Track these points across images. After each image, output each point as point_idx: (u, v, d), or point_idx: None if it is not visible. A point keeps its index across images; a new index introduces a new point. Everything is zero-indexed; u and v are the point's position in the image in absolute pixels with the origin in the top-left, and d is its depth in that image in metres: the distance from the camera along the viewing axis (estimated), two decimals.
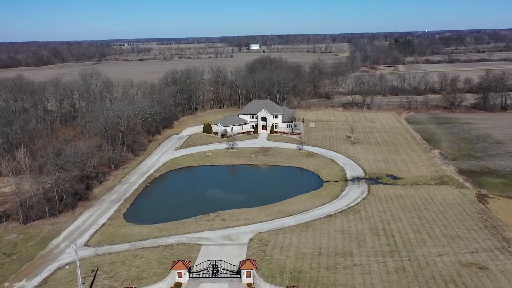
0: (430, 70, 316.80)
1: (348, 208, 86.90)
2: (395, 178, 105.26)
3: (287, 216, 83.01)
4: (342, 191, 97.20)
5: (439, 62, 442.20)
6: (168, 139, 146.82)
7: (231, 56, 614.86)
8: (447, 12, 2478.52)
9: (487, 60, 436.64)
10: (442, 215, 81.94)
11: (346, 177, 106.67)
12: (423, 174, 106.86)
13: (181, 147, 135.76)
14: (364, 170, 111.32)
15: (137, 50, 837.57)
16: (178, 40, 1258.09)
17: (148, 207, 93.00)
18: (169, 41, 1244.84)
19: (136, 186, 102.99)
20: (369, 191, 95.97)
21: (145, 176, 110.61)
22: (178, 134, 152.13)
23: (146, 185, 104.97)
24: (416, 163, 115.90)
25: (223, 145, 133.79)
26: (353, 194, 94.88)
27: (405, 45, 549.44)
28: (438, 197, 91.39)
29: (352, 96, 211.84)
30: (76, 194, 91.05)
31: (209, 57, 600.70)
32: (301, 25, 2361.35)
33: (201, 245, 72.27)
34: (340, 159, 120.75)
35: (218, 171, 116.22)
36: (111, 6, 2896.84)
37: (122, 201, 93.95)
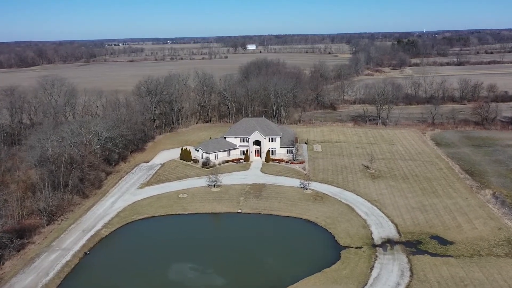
0: (441, 73, 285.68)
1: None
2: (443, 242, 73.19)
3: None
4: (371, 268, 65.30)
5: (448, 64, 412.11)
6: (135, 169, 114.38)
7: (226, 57, 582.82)
8: (445, 12, 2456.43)
9: (498, 62, 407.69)
10: None
11: (372, 238, 74.84)
12: (482, 235, 74.98)
13: (148, 183, 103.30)
14: (396, 225, 79.43)
15: (129, 50, 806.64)
16: (174, 40, 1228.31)
17: None
18: (165, 41, 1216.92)
19: (69, 257, 70.56)
20: (411, 271, 64.01)
21: (88, 235, 78.38)
22: (148, 162, 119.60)
23: (85, 253, 72.86)
24: (466, 213, 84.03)
25: (203, 181, 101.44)
26: (389, 276, 62.95)
27: (409, 45, 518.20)
28: None
29: (363, 105, 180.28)
30: None
31: (203, 58, 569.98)
32: (299, 25, 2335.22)
33: None
34: (360, 205, 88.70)
35: (192, 226, 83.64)
36: (107, 5, 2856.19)
37: None
